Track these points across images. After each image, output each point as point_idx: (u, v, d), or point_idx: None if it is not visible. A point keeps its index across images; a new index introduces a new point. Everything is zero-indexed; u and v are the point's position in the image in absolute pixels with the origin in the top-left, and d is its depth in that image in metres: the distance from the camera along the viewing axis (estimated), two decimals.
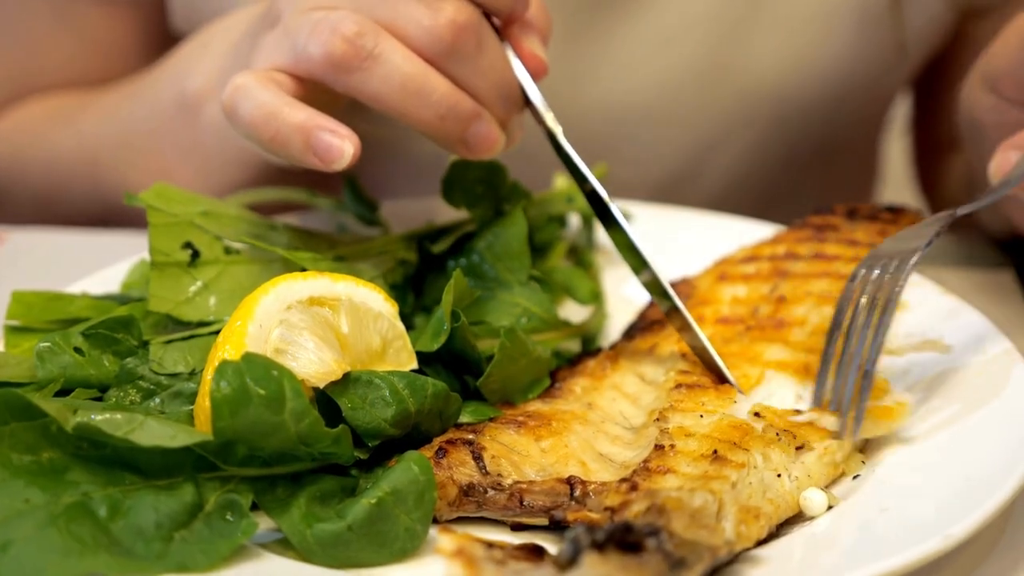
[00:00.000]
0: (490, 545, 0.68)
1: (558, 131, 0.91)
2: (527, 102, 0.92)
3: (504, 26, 0.92)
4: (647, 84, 1.26)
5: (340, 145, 0.84)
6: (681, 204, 1.23)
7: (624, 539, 0.67)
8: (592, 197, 0.90)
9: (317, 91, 0.89)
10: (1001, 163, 0.92)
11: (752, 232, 1.09)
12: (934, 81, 1.43)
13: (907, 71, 1.37)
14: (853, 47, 1.28)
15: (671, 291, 0.89)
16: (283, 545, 0.75)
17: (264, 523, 0.75)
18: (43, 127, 1.31)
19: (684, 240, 1.10)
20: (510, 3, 0.90)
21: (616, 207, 0.90)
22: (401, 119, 0.88)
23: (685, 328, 0.88)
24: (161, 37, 1.33)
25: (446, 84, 0.87)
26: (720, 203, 1.30)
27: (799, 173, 1.38)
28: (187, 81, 1.12)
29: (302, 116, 0.84)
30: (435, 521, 0.77)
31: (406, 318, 0.94)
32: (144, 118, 1.19)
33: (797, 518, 0.79)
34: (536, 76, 0.92)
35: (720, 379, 0.87)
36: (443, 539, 0.67)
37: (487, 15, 0.90)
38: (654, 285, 0.89)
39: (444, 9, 0.87)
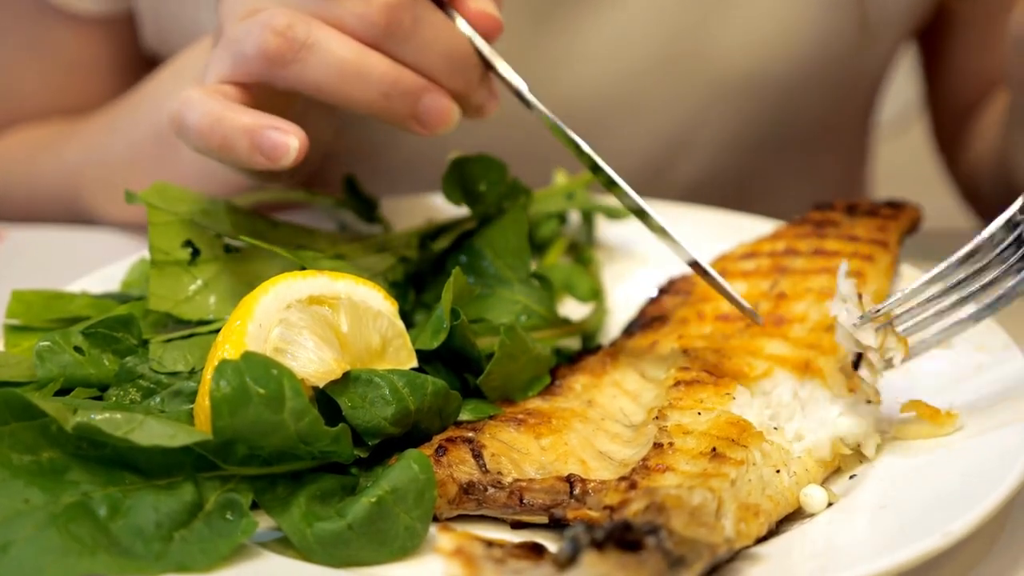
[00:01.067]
0: (489, 544, 0.68)
1: (523, 87, 0.91)
2: (489, 66, 0.92)
3: None
4: (615, 74, 1.26)
5: (285, 140, 0.84)
6: (659, 194, 1.23)
7: (623, 537, 0.67)
8: (567, 141, 0.90)
9: (266, 96, 0.89)
10: None
11: (752, 228, 1.09)
12: (939, 54, 1.43)
13: (883, 51, 1.36)
14: (818, 26, 1.27)
15: (618, 179, 0.89)
16: (283, 544, 0.75)
17: (264, 522, 0.75)
18: (26, 158, 1.32)
19: (683, 237, 1.10)
20: None
21: (586, 144, 0.90)
22: (346, 105, 0.88)
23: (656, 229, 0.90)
24: (135, 56, 1.34)
25: (385, 62, 0.87)
26: (699, 192, 1.30)
27: (780, 163, 1.37)
28: (162, 112, 1.12)
29: (246, 118, 0.84)
30: (435, 519, 0.77)
31: (407, 315, 0.94)
32: (122, 150, 1.20)
33: (797, 515, 0.79)
34: (490, 35, 0.92)
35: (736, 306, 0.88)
36: (442, 538, 0.67)
37: None
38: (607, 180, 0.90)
39: None
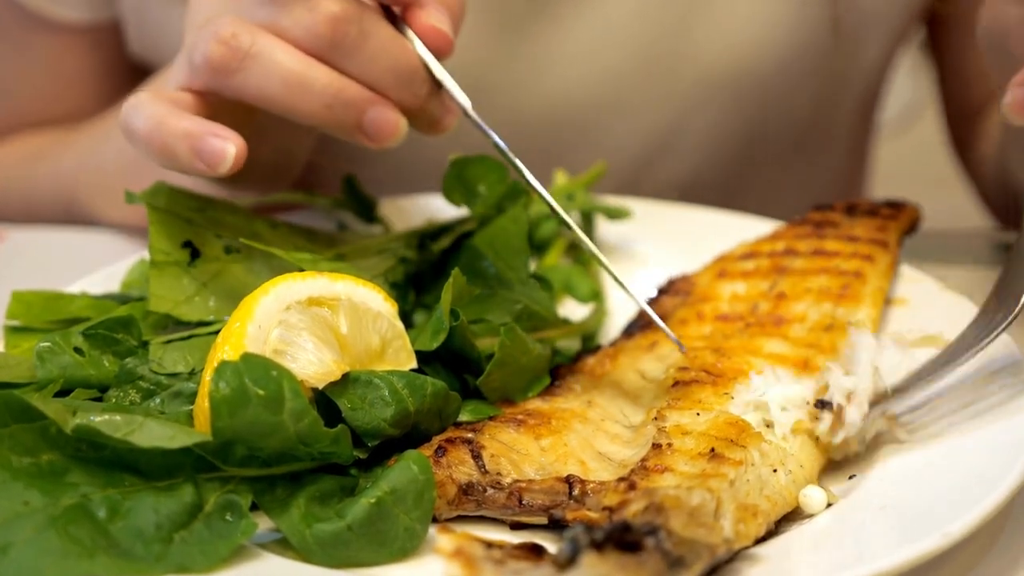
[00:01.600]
0: (489, 544, 0.68)
1: (467, 104, 0.91)
2: (437, 83, 0.91)
3: (404, 12, 0.91)
4: (598, 75, 1.26)
5: (222, 147, 0.84)
6: (645, 193, 1.23)
7: (623, 538, 0.67)
8: (510, 163, 0.91)
9: (223, 105, 0.90)
10: (1017, 103, 0.87)
11: (751, 228, 1.09)
12: (943, 57, 1.43)
13: (871, 54, 1.35)
14: (791, 26, 1.27)
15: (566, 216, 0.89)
16: (282, 545, 0.75)
17: (264, 523, 0.75)
18: (20, 169, 1.33)
19: (683, 237, 1.10)
20: None
21: (524, 167, 0.90)
22: (290, 115, 0.88)
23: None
24: (122, 63, 1.35)
25: (330, 74, 0.87)
26: (687, 191, 1.30)
27: (770, 163, 1.37)
28: None
29: (186, 124, 0.85)
30: (435, 520, 0.77)
31: (407, 316, 0.94)
32: (115, 156, 1.21)
33: (796, 515, 0.79)
34: (441, 52, 0.91)
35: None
36: (442, 539, 0.67)
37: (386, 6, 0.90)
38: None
39: (320, 4, 0.87)
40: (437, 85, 0.92)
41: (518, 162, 0.90)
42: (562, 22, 1.24)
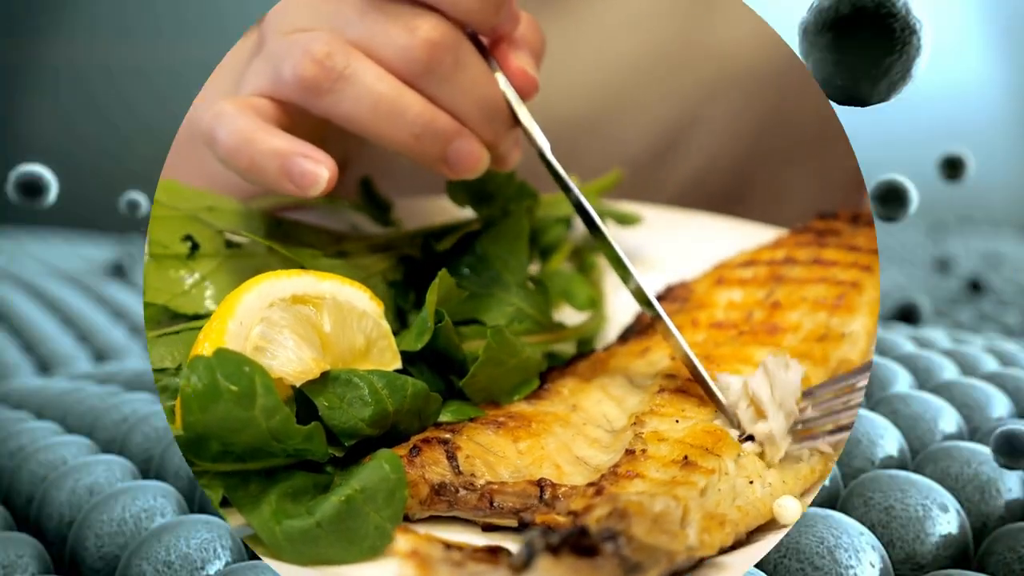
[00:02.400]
0: (449, 546, 0.68)
1: (546, 147, 0.90)
2: (516, 122, 0.90)
3: (492, 45, 0.90)
4: (610, 68, 1.25)
5: (315, 170, 0.84)
6: (656, 191, 1.22)
7: (579, 543, 0.67)
8: (580, 210, 0.89)
9: (301, 116, 0.89)
10: None
11: (755, 235, 1.08)
12: None
13: None
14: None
15: (656, 303, 0.87)
16: (256, 540, 0.76)
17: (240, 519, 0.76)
18: None
19: (686, 242, 1.10)
20: (494, 20, 0.88)
21: (601, 221, 0.88)
22: (377, 140, 0.87)
23: (670, 337, 0.87)
24: None
25: (421, 102, 0.87)
26: (699, 190, 1.29)
27: (782, 162, 1.36)
28: (197, 112, 1.12)
29: (276, 142, 0.84)
30: (407, 520, 0.78)
31: (405, 316, 0.95)
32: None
33: (772, 526, 0.78)
34: (525, 94, 0.90)
35: (707, 392, 0.85)
36: (400, 539, 0.68)
37: (474, 34, 0.89)
38: (640, 294, 0.88)
39: (419, 28, 0.86)
40: (515, 122, 0.91)
41: (589, 207, 0.88)
42: (574, 13, 1.23)
